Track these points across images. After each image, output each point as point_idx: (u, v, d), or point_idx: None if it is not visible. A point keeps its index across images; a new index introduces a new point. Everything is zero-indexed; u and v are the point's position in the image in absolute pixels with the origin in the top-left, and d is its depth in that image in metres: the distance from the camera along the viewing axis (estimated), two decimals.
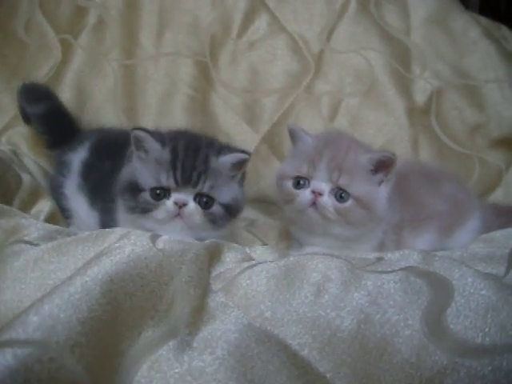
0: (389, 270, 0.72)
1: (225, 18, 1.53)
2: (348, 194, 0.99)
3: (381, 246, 1.05)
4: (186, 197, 0.94)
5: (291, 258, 0.74)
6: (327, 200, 0.99)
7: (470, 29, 1.55)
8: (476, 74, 1.51)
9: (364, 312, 0.62)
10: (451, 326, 0.59)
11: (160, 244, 0.70)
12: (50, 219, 1.08)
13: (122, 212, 1.01)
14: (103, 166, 1.10)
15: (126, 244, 0.64)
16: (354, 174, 0.99)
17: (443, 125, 1.47)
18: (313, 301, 0.66)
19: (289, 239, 1.19)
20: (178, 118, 1.43)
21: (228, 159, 0.97)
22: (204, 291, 0.68)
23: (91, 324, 0.53)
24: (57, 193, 1.17)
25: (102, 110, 1.45)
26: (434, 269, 0.70)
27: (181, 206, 0.94)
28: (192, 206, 0.94)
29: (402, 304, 0.62)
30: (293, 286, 0.68)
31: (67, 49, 1.47)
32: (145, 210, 0.95)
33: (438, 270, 0.69)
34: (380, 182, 1.01)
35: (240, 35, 1.53)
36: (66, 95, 1.43)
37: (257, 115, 1.47)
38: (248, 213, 1.30)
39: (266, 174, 1.45)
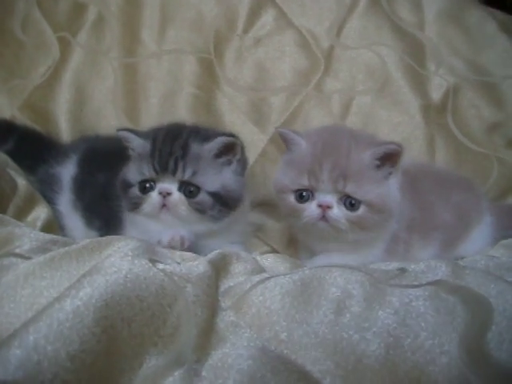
0: (415, 283, 0.66)
1: (230, 13, 1.48)
2: (359, 201, 0.92)
3: (393, 245, 1.00)
4: (170, 185, 0.95)
5: (306, 271, 0.68)
6: (337, 212, 0.93)
7: (486, 23, 1.49)
8: (493, 70, 1.46)
9: (392, 335, 0.56)
10: (493, 353, 0.52)
11: (160, 265, 0.64)
12: (47, 227, 1.03)
13: (127, 215, 1.02)
14: (96, 181, 1.09)
15: (123, 262, 0.58)
16: (361, 177, 0.93)
17: (460, 123, 1.42)
18: (333, 320, 0.60)
19: (296, 245, 1.15)
20: (181, 118, 1.36)
21: (213, 145, 0.96)
22: (212, 310, 0.62)
23: (83, 358, 0.47)
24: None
25: (102, 110, 1.43)
26: (467, 283, 0.64)
27: (165, 195, 0.94)
28: (176, 195, 0.95)
29: (434, 326, 0.56)
30: (310, 303, 0.62)
31: (65, 47, 1.45)
32: (136, 205, 0.97)
33: (472, 285, 0.62)
34: (388, 175, 0.95)
35: (246, 31, 1.47)
36: (64, 95, 1.43)
37: (264, 115, 1.41)
38: (255, 217, 1.28)
39: None
